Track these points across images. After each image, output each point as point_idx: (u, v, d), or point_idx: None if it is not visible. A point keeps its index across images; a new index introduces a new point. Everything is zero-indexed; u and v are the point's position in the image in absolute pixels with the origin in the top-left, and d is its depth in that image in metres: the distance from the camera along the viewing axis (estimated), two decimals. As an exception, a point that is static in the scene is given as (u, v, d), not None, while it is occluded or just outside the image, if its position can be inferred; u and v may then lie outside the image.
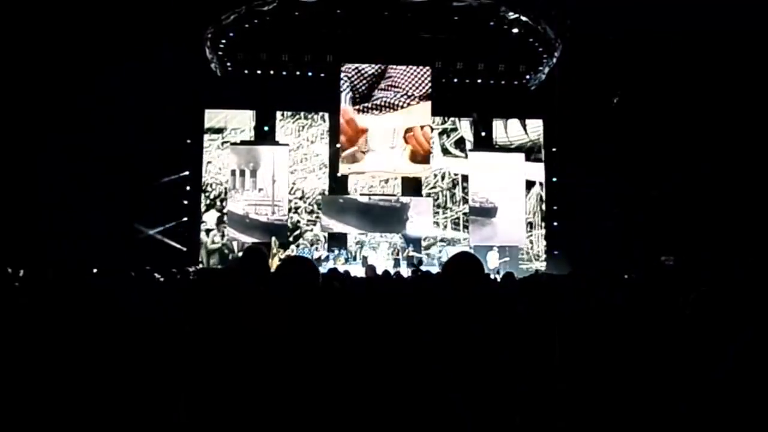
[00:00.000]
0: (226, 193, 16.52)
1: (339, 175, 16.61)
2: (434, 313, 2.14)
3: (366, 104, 16.31)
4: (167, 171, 15.53)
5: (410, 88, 16.49)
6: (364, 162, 16.42)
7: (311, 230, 16.77)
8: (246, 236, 16.11)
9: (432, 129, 16.86)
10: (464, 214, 17.25)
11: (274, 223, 16.34)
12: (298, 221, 16.79)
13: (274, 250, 15.24)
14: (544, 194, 17.39)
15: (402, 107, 16.48)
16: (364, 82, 16.34)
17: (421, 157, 16.60)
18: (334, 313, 2.91)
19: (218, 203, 16.54)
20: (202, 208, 16.46)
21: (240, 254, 14.65)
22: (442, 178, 17.44)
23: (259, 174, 16.38)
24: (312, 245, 16.48)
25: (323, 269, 11.38)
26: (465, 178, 17.33)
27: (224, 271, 2.43)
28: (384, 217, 16.49)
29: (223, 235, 16.50)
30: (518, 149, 17.58)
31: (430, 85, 16.54)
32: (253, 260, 2.90)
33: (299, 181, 16.90)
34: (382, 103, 16.40)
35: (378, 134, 16.40)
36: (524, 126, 17.65)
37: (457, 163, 17.51)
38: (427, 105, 16.63)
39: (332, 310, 3.00)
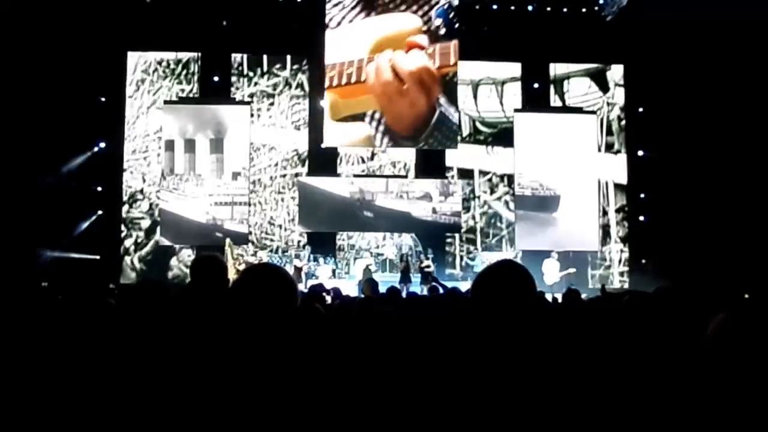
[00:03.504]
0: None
1: (323, 147, 13.29)
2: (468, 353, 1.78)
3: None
4: (72, 143, 12.49)
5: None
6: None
7: (283, 228, 13.62)
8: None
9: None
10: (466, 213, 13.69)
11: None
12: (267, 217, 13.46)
13: (231, 256, 12.11)
14: (626, 177, 14.36)
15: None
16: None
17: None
18: (319, 348, 2.52)
19: (148, 193, 13.36)
20: (124, 200, 13.37)
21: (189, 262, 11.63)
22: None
23: (225, 150, 13.08)
24: (285, 252, 13.15)
25: (302, 286, 9.96)
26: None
27: (161, 286, 1.92)
28: (389, 211, 13.27)
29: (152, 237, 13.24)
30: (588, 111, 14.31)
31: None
32: (207, 274, 2.59)
33: (264, 158, 13.62)
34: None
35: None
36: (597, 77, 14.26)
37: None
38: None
39: (315, 342, 2.67)
